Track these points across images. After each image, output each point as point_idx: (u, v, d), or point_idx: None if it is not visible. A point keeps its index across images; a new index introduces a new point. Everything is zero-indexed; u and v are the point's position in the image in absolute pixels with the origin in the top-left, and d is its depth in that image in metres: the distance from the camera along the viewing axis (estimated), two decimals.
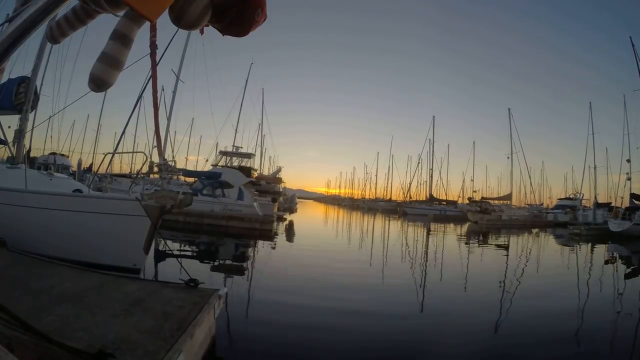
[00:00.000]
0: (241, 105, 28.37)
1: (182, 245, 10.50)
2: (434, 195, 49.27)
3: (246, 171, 18.75)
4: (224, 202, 15.73)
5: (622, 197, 28.31)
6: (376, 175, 72.45)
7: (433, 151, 49.61)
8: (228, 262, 9.28)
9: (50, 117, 11.47)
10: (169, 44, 7.56)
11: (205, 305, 3.31)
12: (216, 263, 8.83)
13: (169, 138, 21.44)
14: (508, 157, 39.31)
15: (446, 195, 52.12)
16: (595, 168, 32.52)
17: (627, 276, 10.42)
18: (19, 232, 5.59)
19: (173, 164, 7.70)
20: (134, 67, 3.48)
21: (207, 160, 28.45)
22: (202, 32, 1.19)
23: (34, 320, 2.23)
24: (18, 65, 9.14)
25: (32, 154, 16.46)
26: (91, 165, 27.72)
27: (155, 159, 7.46)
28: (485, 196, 44.13)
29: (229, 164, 23.11)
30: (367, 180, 76.62)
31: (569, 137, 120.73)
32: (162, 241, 8.28)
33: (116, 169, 28.31)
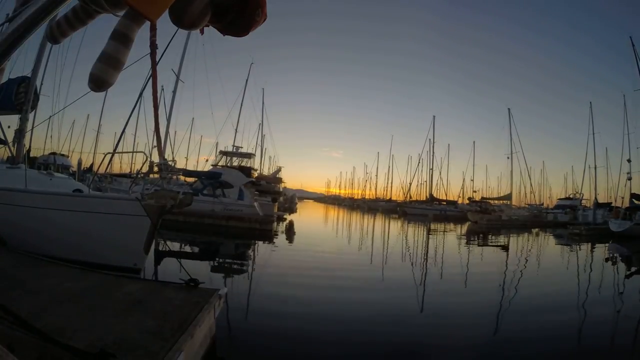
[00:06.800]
0: (241, 105, 28.41)
1: (183, 245, 10.50)
2: (434, 195, 49.21)
3: (246, 171, 18.76)
4: (224, 202, 15.72)
5: (622, 197, 28.27)
6: (376, 175, 72.40)
7: (433, 151, 49.63)
8: (228, 262, 9.28)
9: (50, 117, 11.49)
10: (168, 43, 7.54)
11: (205, 305, 3.31)
12: (216, 263, 8.83)
13: (169, 138, 21.49)
14: (508, 157, 39.31)
15: (446, 195, 52.12)
16: (595, 168, 32.48)
17: (628, 276, 10.42)
18: (19, 232, 5.59)
19: (173, 164, 7.70)
20: (134, 67, 3.47)
21: (207, 160, 28.45)
22: (202, 32, 1.19)
23: (34, 320, 2.23)
24: (18, 65, 9.16)
25: (32, 154, 16.47)
26: (91, 165, 27.76)
27: (155, 158, 7.46)
28: (485, 196, 44.15)
29: (229, 164, 23.11)
30: (367, 180, 76.68)
31: (569, 137, 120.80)
32: (163, 241, 8.28)
33: (116, 169, 28.34)
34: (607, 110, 75.62)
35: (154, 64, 1.21)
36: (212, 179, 16.35)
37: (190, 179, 17.87)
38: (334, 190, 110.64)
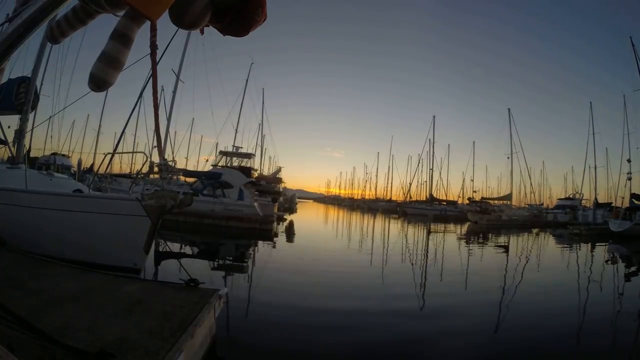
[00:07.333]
0: (241, 105, 28.41)
1: (183, 245, 10.50)
2: (434, 195, 49.22)
3: (246, 171, 18.76)
4: (224, 202, 15.73)
5: (622, 197, 28.28)
6: (376, 176, 72.26)
7: (433, 151, 49.60)
8: (228, 262, 9.28)
9: (50, 117, 11.52)
10: (169, 43, 7.56)
11: (205, 305, 3.31)
12: (216, 263, 8.83)
13: (169, 138, 21.49)
14: (508, 157, 39.32)
15: (446, 195, 52.15)
16: (595, 168, 32.50)
17: (628, 276, 10.41)
18: (19, 232, 5.59)
19: (173, 164, 7.70)
20: (134, 67, 3.47)
21: (207, 161, 28.43)
22: (202, 32, 1.20)
23: (34, 320, 2.23)
24: (18, 65, 9.17)
25: (32, 154, 16.47)
26: (92, 165, 27.76)
27: (155, 159, 7.47)
28: (485, 196, 44.19)
29: (229, 164, 23.12)
30: (367, 180, 76.62)
31: (569, 137, 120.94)
32: (163, 241, 8.28)
33: (116, 169, 28.36)
34: (607, 111, 75.69)
35: (154, 64, 1.21)
36: (212, 179, 16.36)
37: (190, 179, 17.88)
38: (334, 191, 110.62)
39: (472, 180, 50.42)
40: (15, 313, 1.80)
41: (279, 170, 31.56)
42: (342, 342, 4.08)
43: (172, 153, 27.21)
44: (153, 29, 1.09)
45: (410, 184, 54.30)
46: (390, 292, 6.79)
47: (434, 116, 50.61)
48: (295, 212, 33.69)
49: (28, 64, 8.41)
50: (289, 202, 36.29)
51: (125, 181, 18.53)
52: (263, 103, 33.79)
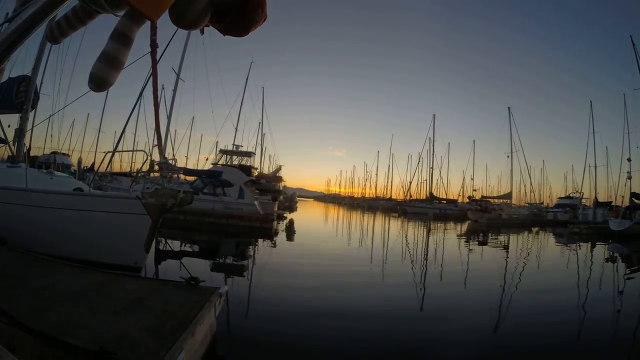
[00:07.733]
0: (241, 104, 28.41)
1: (183, 243, 10.51)
2: (434, 194, 49.21)
3: (246, 170, 18.75)
4: (224, 200, 15.73)
5: (622, 196, 28.25)
6: (376, 174, 72.22)
7: (433, 150, 49.55)
8: (228, 260, 9.29)
9: (50, 116, 11.54)
10: (169, 42, 7.59)
11: (206, 304, 3.32)
12: (217, 261, 8.84)
13: (169, 136, 21.47)
14: (508, 156, 39.29)
15: (446, 194, 52.09)
16: (595, 167, 32.52)
17: (628, 275, 10.42)
18: (20, 230, 5.60)
19: (173, 163, 7.70)
20: (134, 66, 3.47)
21: (207, 159, 28.42)
22: (202, 32, 1.20)
23: (34, 319, 2.24)
24: (18, 65, 9.17)
25: (32, 153, 16.48)
26: (92, 164, 27.75)
27: (156, 157, 7.48)
28: (485, 195, 44.05)
29: (229, 163, 23.12)
30: (367, 179, 76.59)
31: (569, 136, 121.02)
32: (163, 240, 8.29)
33: (116, 168, 28.33)
34: (607, 110, 75.58)
35: (154, 63, 1.21)
36: (212, 178, 16.36)
37: (190, 178, 17.88)
38: (334, 189, 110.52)
39: (472, 179, 50.52)
40: (13, 314, 1.81)
41: (279, 168, 31.61)
42: (342, 340, 4.09)
43: (173, 151, 27.13)
44: (153, 29, 1.09)
45: (410, 183, 54.36)
46: (390, 290, 6.80)
47: (434, 115, 50.59)
48: (296, 210, 33.68)
49: (28, 63, 8.43)
50: (289, 200, 36.26)
51: (126, 180, 18.56)
52: (263, 102, 33.80)
